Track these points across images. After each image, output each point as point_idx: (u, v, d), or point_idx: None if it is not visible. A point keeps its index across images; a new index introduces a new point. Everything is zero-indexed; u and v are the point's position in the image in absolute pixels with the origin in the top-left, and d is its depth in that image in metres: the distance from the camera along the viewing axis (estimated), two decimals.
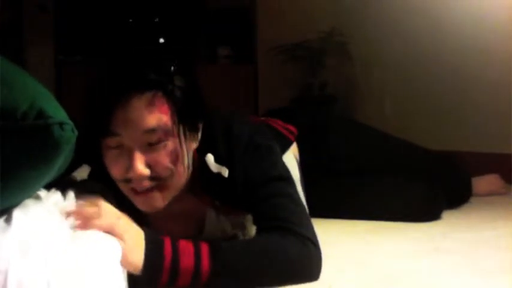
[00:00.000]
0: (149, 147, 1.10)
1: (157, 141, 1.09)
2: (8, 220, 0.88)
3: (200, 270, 1.02)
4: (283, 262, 1.08)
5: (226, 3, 3.77)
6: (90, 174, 1.33)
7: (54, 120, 0.89)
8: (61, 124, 0.90)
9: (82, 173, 1.36)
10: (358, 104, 3.09)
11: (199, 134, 1.20)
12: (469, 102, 2.65)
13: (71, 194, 1.10)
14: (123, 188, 1.14)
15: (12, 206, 0.95)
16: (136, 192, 1.13)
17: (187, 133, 1.14)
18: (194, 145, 1.19)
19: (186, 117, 1.13)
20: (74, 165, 1.20)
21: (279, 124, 1.65)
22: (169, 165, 1.11)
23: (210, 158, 1.21)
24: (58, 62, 3.92)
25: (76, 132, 0.93)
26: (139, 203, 1.15)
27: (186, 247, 1.04)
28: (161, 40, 3.93)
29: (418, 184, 1.79)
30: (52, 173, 0.96)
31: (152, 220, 1.29)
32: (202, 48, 3.85)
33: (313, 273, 1.13)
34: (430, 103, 2.78)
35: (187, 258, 1.03)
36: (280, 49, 3.06)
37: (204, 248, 1.05)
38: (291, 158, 1.63)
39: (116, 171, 1.12)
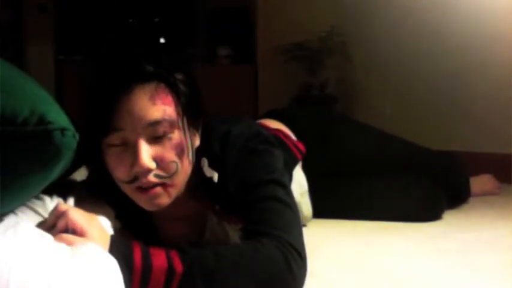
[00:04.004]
0: (154, 141, 1.07)
1: (163, 133, 1.07)
2: (12, 226, 0.88)
3: (174, 270, 0.95)
4: (259, 269, 0.99)
5: (226, 3, 3.77)
6: (88, 178, 1.32)
7: (55, 126, 0.88)
8: (62, 130, 0.89)
9: (81, 172, 1.35)
10: (358, 104, 3.09)
11: (200, 132, 1.18)
12: (469, 102, 2.65)
13: (70, 202, 1.11)
14: (128, 189, 1.11)
15: (11, 210, 0.95)
16: (141, 190, 1.10)
17: (191, 127, 1.12)
18: (197, 142, 1.17)
19: (189, 110, 1.11)
20: (73, 167, 1.19)
21: (289, 139, 1.62)
22: (175, 158, 1.09)
23: (204, 161, 1.19)
24: (58, 62, 3.92)
25: (77, 138, 0.92)
26: (145, 201, 1.11)
27: (156, 249, 0.98)
28: (161, 40, 3.93)
29: (418, 184, 1.78)
30: (52, 178, 0.96)
31: (155, 224, 1.28)
32: (202, 48, 3.84)
33: (293, 282, 1.02)
34: (430, 103, 2.78)
35: (159, 258, 0.96)
36: (280, 49, 3.06)
37: (173, 251, 0.98)
38: (298, 170, 1.63)
39: (120, 170, 1.08)
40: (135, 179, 1.08)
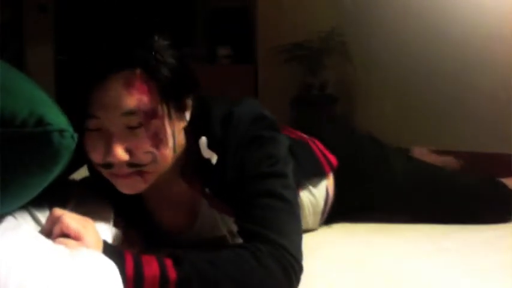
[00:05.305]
0: (129, 130, 1.03)
1: (138, 124, 1.03)
2: (11, 228, 0.88)
3: (167, 278, 0.92)
4: (258, 283, 0.97)
5: (226, 3, 3.77)
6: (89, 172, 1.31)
7: (53, 128, 0.88)
8: (61, 131, 0.89)
9: (81, 172, 1.36)
10: (358, 104, 3.09)
11: (188, 113, 1.12)
12: (469, 101, 2.65)
13: (69, 206, 1.10)
14: (104, 172, 1.09)
15: (10, 213, 0.95)
16: (117, 175, 1.08)
17: (173, 112, 1.07)
18: (182, 124, 1.11)
19: (171, 95, 1.05)
20: (75, 166, 1.19)
21: (319, 148, 1.51)
22: (151, 149, 1.05)
23: (203, 141, 1.15)
24: (58, 62, 3.92)
25: (76, 139, 0.92)
26: (121, 185, 1.10)
27: (149, 256, 0.95)
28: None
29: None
30: (51, 179, 0.95)
31: (147, 207, 1.27)
32: (202, 48, 3.85)
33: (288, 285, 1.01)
34: (430, 103, 2.78)
35: (151, 266, 0.93)
36: (280, 49, 3.06)
37: (167, 258, 0.95)
38: (322, 187, 1.50)
39: (95, 155, 1.06)
40: (109, 165, 1.06)
